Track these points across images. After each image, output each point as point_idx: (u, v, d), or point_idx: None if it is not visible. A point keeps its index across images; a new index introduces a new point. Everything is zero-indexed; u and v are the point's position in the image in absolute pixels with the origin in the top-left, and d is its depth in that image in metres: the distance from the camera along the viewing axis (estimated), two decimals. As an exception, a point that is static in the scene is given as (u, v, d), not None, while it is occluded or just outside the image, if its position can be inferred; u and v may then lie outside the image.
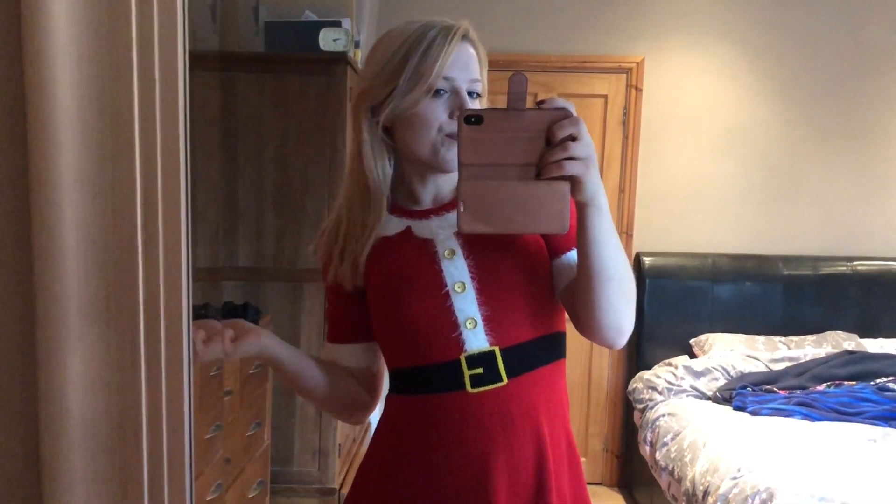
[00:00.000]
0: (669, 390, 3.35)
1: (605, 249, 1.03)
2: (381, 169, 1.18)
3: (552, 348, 1.18)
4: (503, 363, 1.12)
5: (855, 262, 3.76)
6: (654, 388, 3.40)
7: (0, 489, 0.59)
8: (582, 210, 1.01)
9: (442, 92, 1.12)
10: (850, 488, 2.22)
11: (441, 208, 1.21)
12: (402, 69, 1.11)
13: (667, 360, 3.60)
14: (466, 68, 1.13)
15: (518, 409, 1.12)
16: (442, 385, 1.12)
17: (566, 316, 1.22)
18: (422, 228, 1.19)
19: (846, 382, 3.14)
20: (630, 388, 3.61)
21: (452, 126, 1.12)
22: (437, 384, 1.13)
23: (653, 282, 3.75)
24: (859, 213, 3.87)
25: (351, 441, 3.15)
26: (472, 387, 1.11)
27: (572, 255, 1.14)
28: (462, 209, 0.96)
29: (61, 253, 0.55)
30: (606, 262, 1.04)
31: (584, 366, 3.95)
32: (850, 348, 3.44)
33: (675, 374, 3.40)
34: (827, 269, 3.75)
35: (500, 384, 1.11)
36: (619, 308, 1.08)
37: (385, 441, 1.22)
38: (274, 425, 2.74)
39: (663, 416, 3.17)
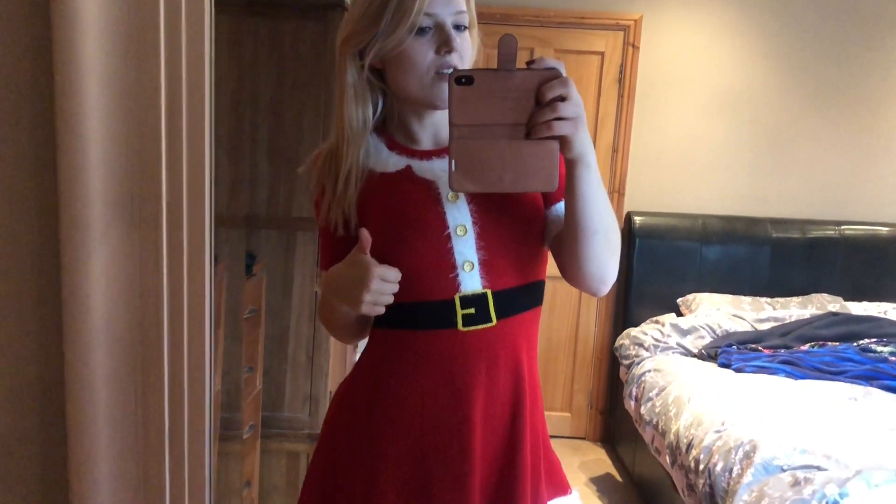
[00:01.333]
0: (656, 347, 3.40)
1: (593, 205, 1.08)
2: (362, 114, 1.20)
3: (535, 295, 1.23)
4: (494, 305, 1.17)
5: (843, 227, 3.80)
6: (640, 345, 3.45)
7: (22, 388, 0.60)
8: (571, 167, 1.05)
9: (427, 29, 1.13)
10: (831, 442, 2.27)
11: (443, 150, 1.22)
12: (383, 10, 1.11)
13: (654, 318, 3.64)
14: (449, 2, 1.13)
15: (503, 349, 1.18)
16: (434, 322, 1.17)
17: (547, 266, 1.27)
18: (423, 169, 1.21)
19: (830, 343, 3.19)
20: (617, 344, 3.66)
21: (440, 62, 1.14)
22: (429, 321, 1.17)
23: (643, 241, 3.77)
24: (848, 179, 3.89)
25: (341, 390, 3.18)
26: (463, 325, 1.16)
27: (561, 206, 1.18)
28: (454, 168, 1.00)
29: (85, 156, 0.56)
30: (593, 217, 1.09)
31: (572, 322, 3.98)
32: (834, 310, 3.49)
33: (661, 332, 3.44)
34: (815, 233, 3.79)
35: (489, 325, 1.17)
36: (604, 259, 1.14)
37: (368, 372, 1.25)
38: (265, 371, 2.76)
39: (649, 371, 3.22)
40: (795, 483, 2.01)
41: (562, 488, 1.31)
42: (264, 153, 2.74)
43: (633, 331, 3.59)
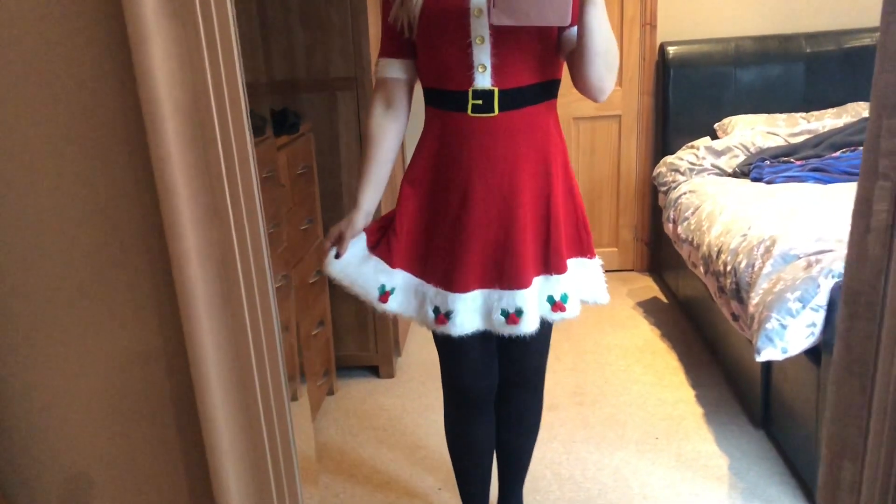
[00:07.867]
0: (691, 170, 3.52)
1: (598, 34, 1.45)
2: None
3: (544, 92, 1.59)
4: (499, 101, 1.53)
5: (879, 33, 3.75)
6: (676, 171, 3.58)
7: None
8: (583, 4, 1.41)
9: None
10: (846, 229, 2.41)
11: None
12: None
13: (689, 144, 3.74)
14: None
15: (501, 133, 1.55)
16: (453, 106, 1.55)
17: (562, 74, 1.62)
18: None
19: (860, 147, 3.26)
20: (654, 173, 3.79)
21: None
22: (450, 104, 1.56)
23: (677, 71, 3.83)
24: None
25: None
26: (472, 112, 1.54)
27: (572, 31, 1.52)
28: (493, 5, 1.36)
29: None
30: (598, 44, 1.47)
31: (613, 160, 4.12)
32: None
33: (696, 156, 3.56)
34: (851, 43, 3.76)
35: (491, 115, 1.53)
36: (604, 75, 1.52)
37: (422, 139, 1.67)
38: (325, 225, 3.02)
39: (685, 193, 3.37)
40: (808, 266, 2.18)
41: (586, 251, 1.69)
42: (297, 19, 2.89)
43: (669, 158, 3.71)
